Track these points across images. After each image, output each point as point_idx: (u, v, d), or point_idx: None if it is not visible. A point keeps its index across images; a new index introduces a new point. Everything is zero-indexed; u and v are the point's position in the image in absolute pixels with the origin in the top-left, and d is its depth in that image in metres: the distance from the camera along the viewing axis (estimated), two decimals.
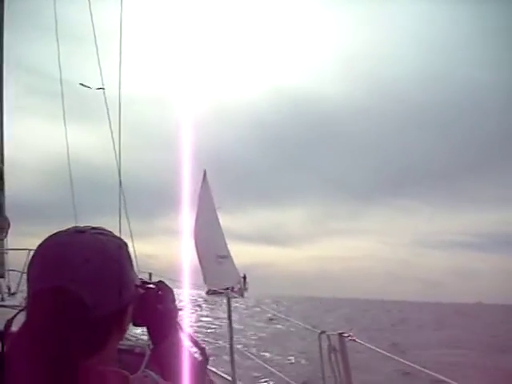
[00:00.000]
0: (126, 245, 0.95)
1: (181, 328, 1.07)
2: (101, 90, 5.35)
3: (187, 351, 1.04)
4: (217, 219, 53.10)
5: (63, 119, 5.82)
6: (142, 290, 1.01)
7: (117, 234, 0.99)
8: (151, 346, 1.05)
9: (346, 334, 2.47)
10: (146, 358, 0.95)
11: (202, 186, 55.52)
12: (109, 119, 5.15)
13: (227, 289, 40.06)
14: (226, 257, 51.19)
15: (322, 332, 2.64)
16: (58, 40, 5.78)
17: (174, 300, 1.08)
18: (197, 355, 1.05)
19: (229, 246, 56.65)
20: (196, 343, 1.07)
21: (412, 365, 2.55)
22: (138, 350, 1.08)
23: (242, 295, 48.20)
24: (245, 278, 52.13)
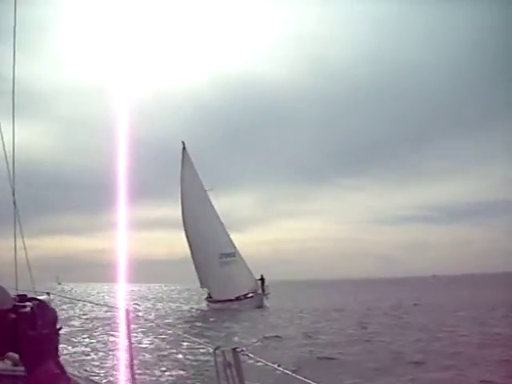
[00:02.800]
0: None
1: (56, 354, 1.03)
2: None
3: (62, 379, 1.01)
4: (210, 205, 39.68)
5: None
6: (13, 315, 0.95)
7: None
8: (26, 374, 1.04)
9: (239, 349, 2.47)
10: None
11: (182, 164, 41.27)
12: None
13: (238, 298, 33.97)
14: (232, 255, 38.30)
15: (217, 348, 2.63)
16: None
17: (53, 322, 1.02)
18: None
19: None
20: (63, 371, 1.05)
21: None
22: (19, 373, 1.20)
23: (260, 304, 35.51)
24: (263, 280, 39.26)
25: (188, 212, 40.26)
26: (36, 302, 0.98)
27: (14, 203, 4.49)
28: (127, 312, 3.68)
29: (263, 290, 38.14)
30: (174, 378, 11.52)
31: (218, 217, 40.18)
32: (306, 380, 2.54)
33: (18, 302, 0.98)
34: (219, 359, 2.52)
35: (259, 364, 2.70)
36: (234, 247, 39.07)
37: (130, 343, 3.75)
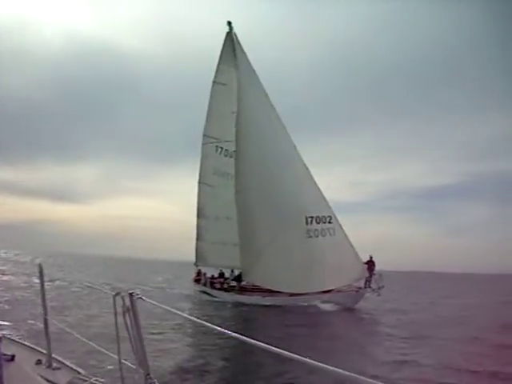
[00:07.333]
0: None
1: None
2: None
3: None
4: (284, 130, 23.07)
5: None
6: None
7: None
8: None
9: (135, 294, 2.64)
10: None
11: (224, 52, 23.53)
12: None
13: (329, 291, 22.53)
14: (327, 220, 22.29)
15: (117, 294, 2.77)
16: None
17: None
18: None
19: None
20: None
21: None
22: None
23: (351, 304, 21.00)
24: (372, 263, 23.79)
25: (246, 135, 22.65)
26: None
27: None
28: (40, 267, 3.97)
29: (368, 282, 23.22)
30: (76, 323, 12.75)
31: (298, 154, 23.52)
32: (198, 320, 2.60)
33: None
34: (118, 304, 2.69)
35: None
36: (330, 208, 23.07)
37: (44, 298, 4.00)
